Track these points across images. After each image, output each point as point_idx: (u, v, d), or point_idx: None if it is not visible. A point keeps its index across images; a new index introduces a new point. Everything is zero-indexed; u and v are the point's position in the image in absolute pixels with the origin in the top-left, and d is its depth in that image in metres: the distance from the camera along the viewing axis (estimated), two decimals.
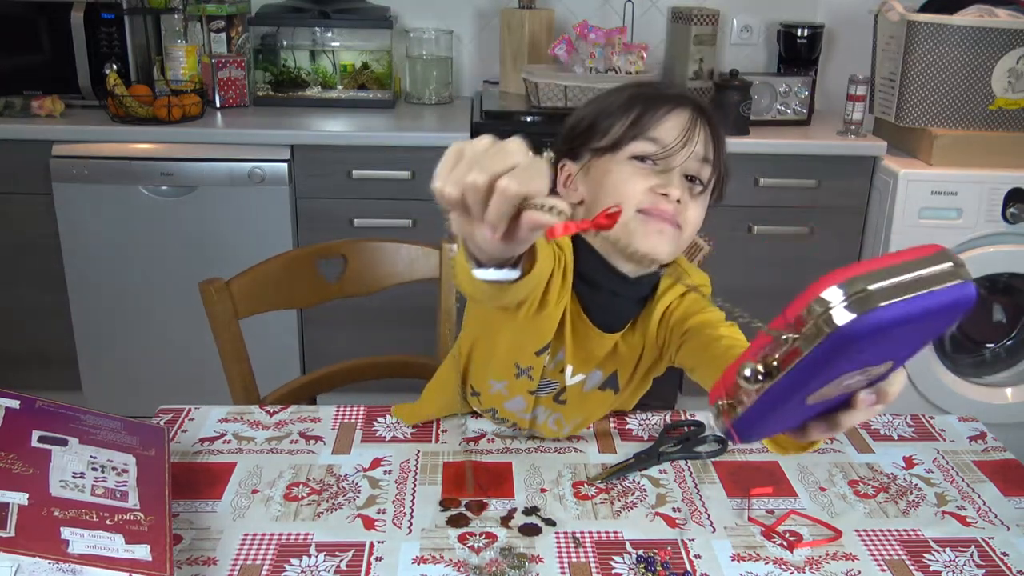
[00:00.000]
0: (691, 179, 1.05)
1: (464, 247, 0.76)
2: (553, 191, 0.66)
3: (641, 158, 1.04)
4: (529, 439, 1.25)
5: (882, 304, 0.57)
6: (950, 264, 0.59)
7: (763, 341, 0.65)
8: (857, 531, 1.07)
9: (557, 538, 1.04)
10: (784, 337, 0.61)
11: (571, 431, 1.26)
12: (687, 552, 1.02)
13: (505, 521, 1.07)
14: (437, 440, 1.25)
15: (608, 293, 1.11)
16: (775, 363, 0.63)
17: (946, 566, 1.01)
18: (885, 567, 1.00)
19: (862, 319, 0.57)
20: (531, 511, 1.09)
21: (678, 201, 1.02)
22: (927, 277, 0.58)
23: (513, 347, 1.14)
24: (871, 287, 0.57)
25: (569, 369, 1.17)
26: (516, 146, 0.65)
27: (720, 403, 0.71)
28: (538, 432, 1.25)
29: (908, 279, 0.58)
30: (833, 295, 0.58)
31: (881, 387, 0.71)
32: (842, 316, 0.57)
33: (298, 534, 1.03)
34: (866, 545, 1.04)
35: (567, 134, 1.12)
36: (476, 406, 1.27)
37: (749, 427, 0.71)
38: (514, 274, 0.77)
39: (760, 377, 0.64)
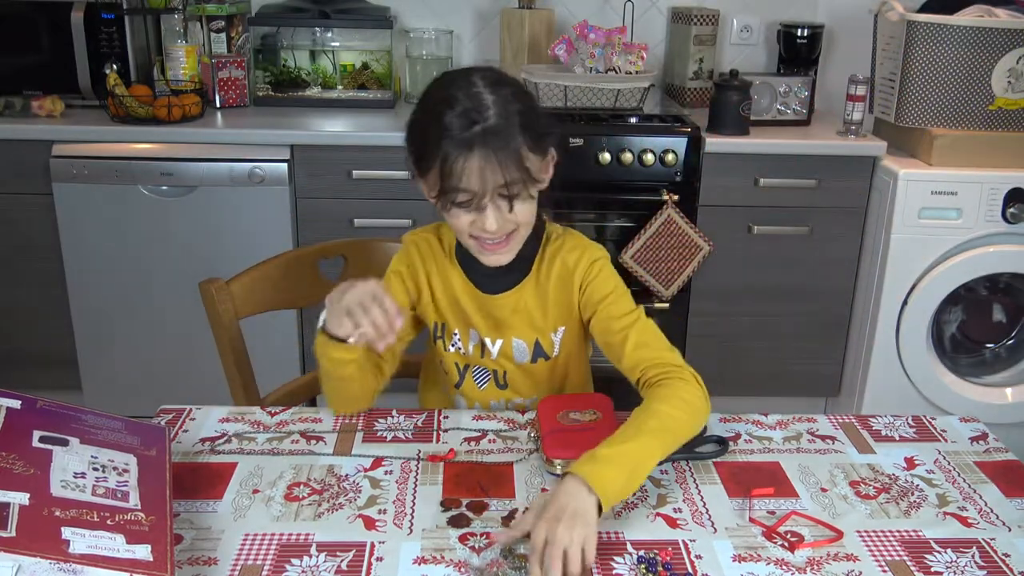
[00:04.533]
0: (504, 195, 1.18)
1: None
2: None
3: (455, 201, 1.19)
4: (530, 440, 1.25)
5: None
6: None
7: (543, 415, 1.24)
8: (858, 532, 1.07)
9: None
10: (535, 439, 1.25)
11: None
12: (688, 552, 1.02)
13: (506, 521, 1.06)
14: (438, 440, 1.25)
15: (483, 271, 1.31)
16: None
17: (947, 567, 1.01)
18: (886, 568, 1.00)
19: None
20: None
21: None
22: None
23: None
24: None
25: (487, 340, 1.34)
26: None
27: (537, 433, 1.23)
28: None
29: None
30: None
31: None
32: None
33: (299, 534, 1.03)
34: (867, 546, 1.04)
35: (408, 150, 1.25)
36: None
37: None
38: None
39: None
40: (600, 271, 1.32)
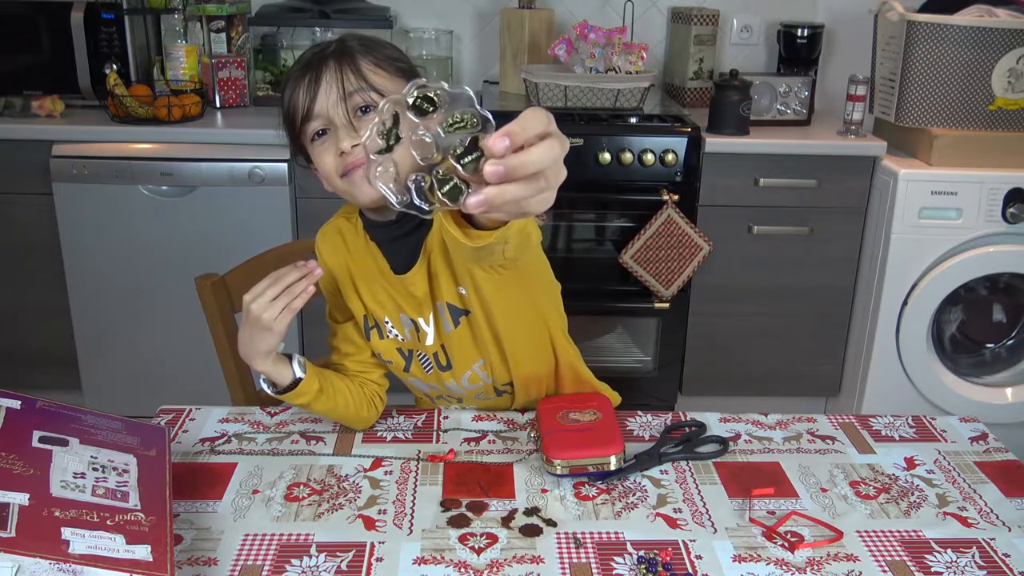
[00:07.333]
0: (363, 110, 1.16)
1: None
2: None
3: (312, 137, 1.19)
4: (530, 440, 1.25)
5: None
6: None
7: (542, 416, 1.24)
8: (858, 532, 1.07)
9: (558, 539, 1.04)
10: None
11: (493, 375, 1.31)
12: (688, 553, 1.02)
13: (506, 522, 1.06)
14: (438, 440, 1.25)
15: (391, 240, 1.25)
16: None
17: (947, 567, 1.01)
18: (886, 568, 1.00)
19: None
20: (532, 511, 1.09)
21: (355, 145, 1.14)
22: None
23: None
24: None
25: (420, 321, 1.27)
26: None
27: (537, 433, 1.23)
28: (486, 402, 1.36)
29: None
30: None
31: None
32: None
33: (299, 534, 1.03)
34: (867, 546, 1.04)
35: (288, 143, 1.27)
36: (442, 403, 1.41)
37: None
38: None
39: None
40: None
